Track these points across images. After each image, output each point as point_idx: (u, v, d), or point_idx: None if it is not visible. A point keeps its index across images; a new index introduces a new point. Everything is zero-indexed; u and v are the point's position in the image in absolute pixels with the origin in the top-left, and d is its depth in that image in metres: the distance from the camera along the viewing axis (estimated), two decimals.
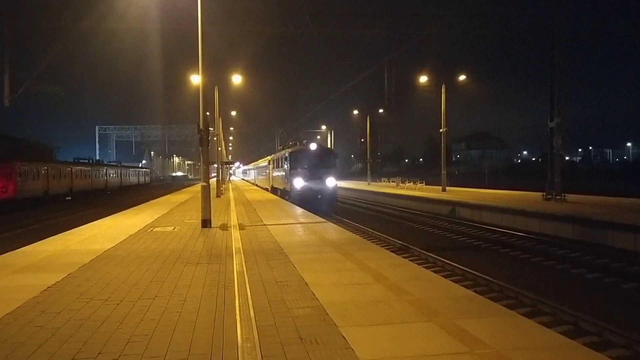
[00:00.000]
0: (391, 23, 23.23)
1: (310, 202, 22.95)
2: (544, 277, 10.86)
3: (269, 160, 37.39)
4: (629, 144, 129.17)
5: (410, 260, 9.06)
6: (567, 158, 79.08)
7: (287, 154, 26.75)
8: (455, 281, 8.80)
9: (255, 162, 63.56)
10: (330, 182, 24.95)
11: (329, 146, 52.06)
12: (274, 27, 22.98)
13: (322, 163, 25.56)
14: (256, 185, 51.50)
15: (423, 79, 30.25)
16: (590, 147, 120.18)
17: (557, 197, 21.24)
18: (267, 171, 38.09)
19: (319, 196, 24.15)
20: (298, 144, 29.87)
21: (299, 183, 24.65)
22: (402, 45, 25.39)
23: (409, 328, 4.50)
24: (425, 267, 9.45)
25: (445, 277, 9.23)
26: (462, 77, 30.30)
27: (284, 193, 27.14)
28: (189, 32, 19.30)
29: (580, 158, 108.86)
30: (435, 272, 9.31)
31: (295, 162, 25.76)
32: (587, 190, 25.81)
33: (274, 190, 32.75)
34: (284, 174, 27.42)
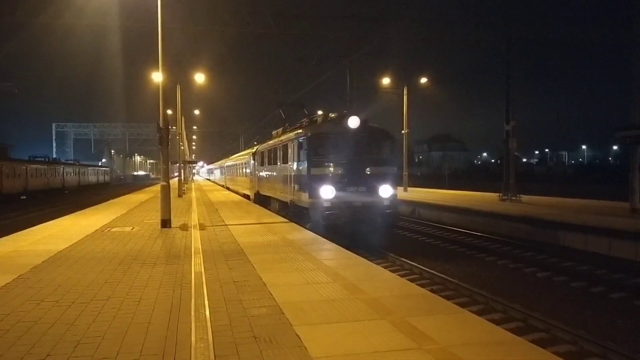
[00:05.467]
0: (352, 25, 23.48)
1: (348, 227, 12.86)
2: (497, 275, 11.22)
3: (254, 153, 23.86)
4: (583, 147, 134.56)
5: (369, 259, 9.18)
6: (524, 160, 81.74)
7: (301, 138, 14.03)
8: (412, 280, 9.04)
9: (226, 159, 49.77)
10: (386, 191, 13.27)
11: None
12: (236, 27, 22.85)
13: (370, 156, 13.73)
14: (227, 188, 38.84)
15: (385, 81, 30.66)
16: (547, 150, 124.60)
17: (513, 198, 21.95)
18: (249, 170, 25.57)
19: (365, 218, 12.99)
20: (319, 119, 15.53)
21: (327, 193, 12.88)
22: (363, 48, 25.63)
23: (362, 326, 4.60)
24: (383, 266, 9.62)
25: (402, 276, 9.47)
26: (423, 80, 30.89)
27: (291, 208, 15.04)
28: (150, 29, 19.02)
29: (536, 160, 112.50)
30: (393, 271, 9.51)
31: (318, 152, 13.54)
32: (542, 192, 26.74)
33: (262, 201, 20.80)
34: (291, 174, 14.92)
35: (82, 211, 17.81)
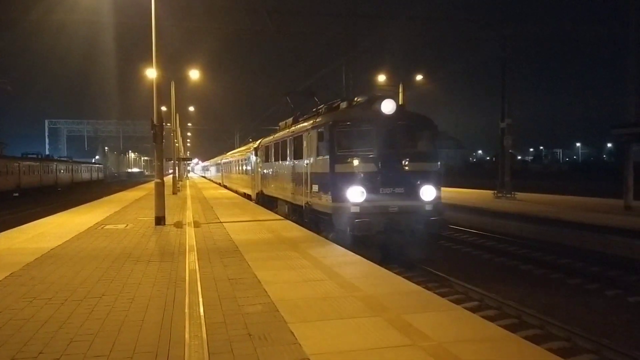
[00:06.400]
0: (349, 23, 23.42)
1: (381, 238, 10.35)
2: (493, 273, 11.23)
3: (256, 148, 21.19)
4: (578, 144, 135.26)
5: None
6: (519, 157, 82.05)
7: (322, 128, 11.29)
8: (407, 277, 9.02)
9: (223, 155, 47.24)
10: (428, 193, 10.69)
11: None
12: (232, 24, 22.75)
13: (409, 149, 11.12)
14: (225, 186, 36.77)
15: (381, 78, 30.63)
16: (542, 147, 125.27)
17: (507, 195, 22.02)
18: (250, 167, 23.22)
19: (403, 227, 10.43)
20: (342, 104, 12.36)
21: (355, 196, 10.32)
22: (359, 46, 25.57)
23: (357, 323, 4.59)
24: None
25: (398, 273, 9.43)
26: (419, 78, 30.89)
27: (307, 214, 12.27)
28: (144, 25, 18.85)
29: (531, 158, 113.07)
30: (388, 268, 9.48)
31: (344, 145, 10.89)
32: (537, 189, 26.84)
33: (267, 202, 18.37)
34: (307, 172, 12.18)
35: (75, 208, 17.71)
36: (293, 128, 14.43)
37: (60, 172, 52.71)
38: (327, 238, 10.14)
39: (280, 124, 18.05)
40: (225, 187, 36.18)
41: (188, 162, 67.05)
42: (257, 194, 20.72)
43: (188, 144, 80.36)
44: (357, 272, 6.76)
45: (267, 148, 18.50)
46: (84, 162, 70.14)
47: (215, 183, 46.74)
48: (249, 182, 23.69)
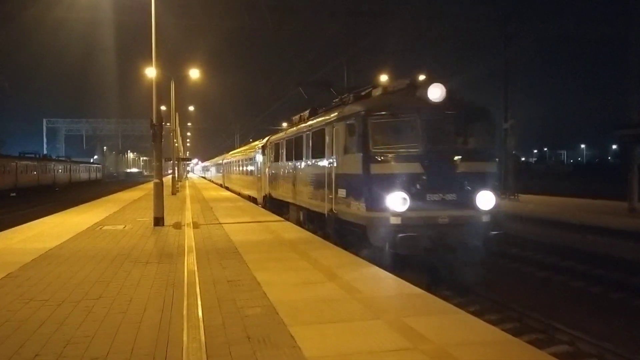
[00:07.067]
0: (350, 21, 23.36)
1: (428, 258, 8.48)
2: (496, 275, 11.10)
3: (263, 146, 19.81)
4: (582, 146, 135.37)
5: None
6: (522, 159, 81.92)
7: (352, 119, 9.38)
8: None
9: (224, 155, 45.04)
10: (486, 200, 8.79)
11: None
12: (232, 21, 22.68)
13: (462, 145, 9.42)
14: (227, 188, 34.94)
15: (383, 78, 30.55)
16: (546, 149, 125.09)
17: (511, 197, 21.98)
18: (256, 167, 21.76)
19: (456, 243, 8.50)
20: (375, 91, 10.52)
21: (397, 204, 8.37)
22: (360, 43, 25.50)
23: (357, 326, 4.53)
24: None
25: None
26: (421, 78, 30.77)
27: (331, 224, 10.43)
28: (143, 22, 18.78)
29: (535, 159, 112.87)
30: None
31: (380, 140, 8.91)
32: (541, 190, 26.72)
33: (276, 207, 16.62)
34: (332, 173, 10.33)
35: (73, 208, 17.63)
36: (311, 122, 12.48)
37: (58, 171, 52.61)
38: (357, 255, 8.29)
39: (293, 118, 16.03)
40: (227, 188, 34.57)
41: (188, 162, 66.96)
42: (264, 197, 19.01)
43: (188, 144, 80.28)
44: (357, 274, 6.69)
45: (277, 146, 16.70)
46: (82, 162, 70.02)
47: (216, 184, 45.43)
48: (255, 184, 22.26)
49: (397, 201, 8.27)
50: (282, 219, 13.89)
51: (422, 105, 8.71)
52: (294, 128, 14.63)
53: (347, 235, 9.66)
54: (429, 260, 8.37)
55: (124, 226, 12.17)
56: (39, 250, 8.53)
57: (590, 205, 19.22)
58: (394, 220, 8.29)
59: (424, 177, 8.47)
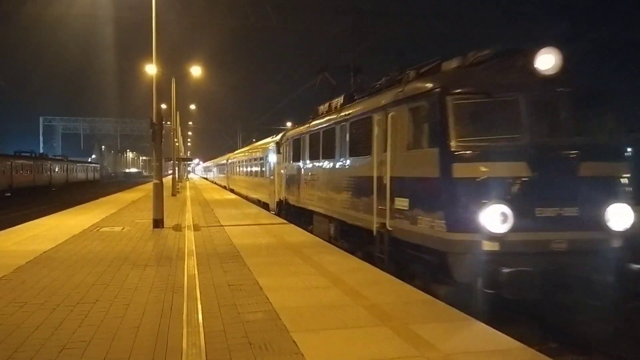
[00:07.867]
0: (356, 20, 23.28)
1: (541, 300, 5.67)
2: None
3: (278, 142, 17.36)
4: None
5: None
6: None
7: (422, 100, 6.77)
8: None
9: (229, 155, 42.52)
10: (622, 216, 6.01)
11: None
12: (235, 19, 22.60)
13: (586, 137, 6.41)
14: (232, 190, 32.49)
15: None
16: None
17: None
18: (268, 167, 19.33)
19: (578, 280, 5.74)
20: (447, 64, 7.34)
21: (495, 222, 5.72)
22: (365, 43, 25.38)
23: (362, 333, 4.42)
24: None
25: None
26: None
27: (384, 245, 7.64)
28: (144, 20, 18.66)
29: None
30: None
31: (467, 131, 6.24)
32: None
33: (295, 215, 14.34)
34: (385, 176, 7.62)
35: (69, 210, 17.50)
36: (349, 111, 9.98)
37: (54, 171, 52.25)
38: (435, 296, 5.86)
39: (319, 107, 13.25)
40: (232, 191, 32.15)
41: (188, 162, 66.76)
42: (279, 202, 16.46)
43: (188, 144, 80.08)
44: (362, 280, 6.55)
45: (297, 142, 14.09)
46: (79, 162, 69.58)
47: (219, 185, 43.40)
48: (266, 187, 19.47)
49: (494, 218, 5.82)
50: (285, 221, 13.68)
51: (528, 80, 6.26)
52: (321, 119, 12.05)
53: (411, 262, 7.23)
54: (538, 304, 5.87)
55: (122, 228, 12.04)
56: (35, 252, 8.40)
57: None
58: (488, 246, 5.89)
59: (532, 183, 6.05)
